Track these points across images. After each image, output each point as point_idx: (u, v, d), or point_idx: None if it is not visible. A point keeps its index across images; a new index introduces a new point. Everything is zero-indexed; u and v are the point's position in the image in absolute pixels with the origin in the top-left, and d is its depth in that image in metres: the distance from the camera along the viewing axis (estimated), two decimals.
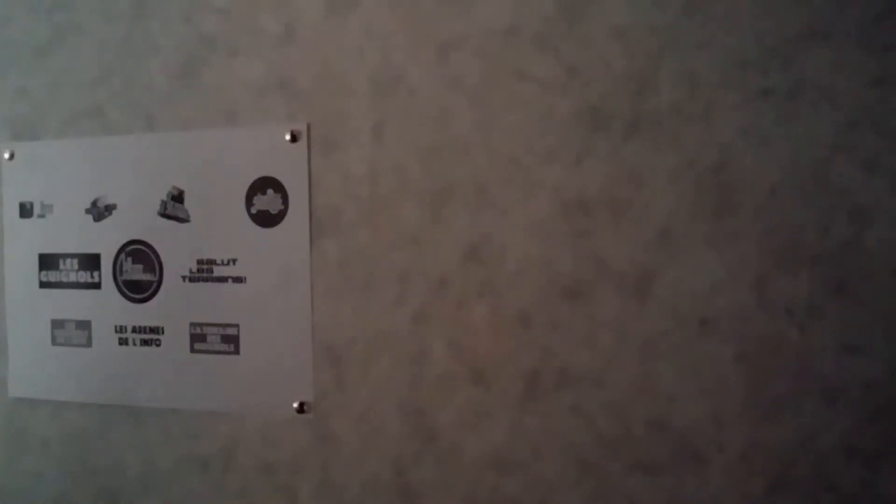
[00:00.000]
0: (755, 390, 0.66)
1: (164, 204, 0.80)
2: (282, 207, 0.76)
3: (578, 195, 0.70)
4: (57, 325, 0.84)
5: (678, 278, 0.68)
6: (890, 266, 0.63)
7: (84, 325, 0.83)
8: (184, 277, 0.79)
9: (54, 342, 0.85)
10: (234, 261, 0.77)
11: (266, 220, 0.76)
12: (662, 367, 0.68)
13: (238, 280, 0.77)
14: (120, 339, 0.82)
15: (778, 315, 0.66)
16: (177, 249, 0.79)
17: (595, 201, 0.69)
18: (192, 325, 0.79)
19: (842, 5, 0.63)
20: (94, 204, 0.82)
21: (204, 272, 0.78)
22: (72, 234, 0.83)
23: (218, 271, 0.78)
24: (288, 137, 0.76)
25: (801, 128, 0.65)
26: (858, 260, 0.64)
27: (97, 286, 0.83)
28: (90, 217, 0.82)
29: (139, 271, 0.81)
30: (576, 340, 0.70)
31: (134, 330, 0.81)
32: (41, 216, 0.84)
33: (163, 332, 0.80)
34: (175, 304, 0.80)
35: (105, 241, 0.82)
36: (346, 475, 0.77)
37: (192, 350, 0.79)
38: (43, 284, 0.85)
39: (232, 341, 0.78)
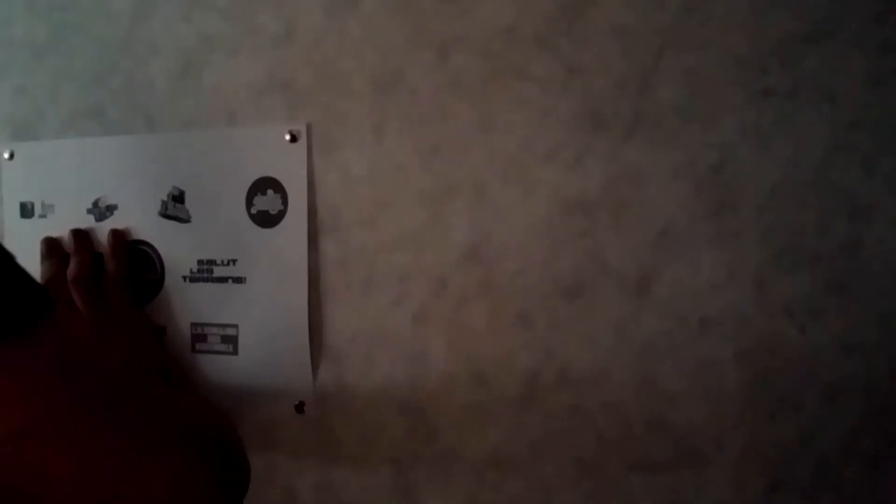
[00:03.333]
0: (755, 390, 0.66)
1: (164, 204, 0.80)
2: (281, 208, 0.76)
3: (578, 195, 0.70)
4: None
5: (678, 278, 0.68)
6: (890, 266, 0.63)
7: None
8: (184, 278, 0.79)
9: None
10: (234, 261, 0.77)
11: (265, 220, 0.76)
12: (662, 367, 0.68)
13: (237, 280, 0.77)
14: None
15: (778, 315, 0.66)
16: (178, 250, 0.79)
17: (595, 201, 0.69)
18: (194, 325, 0.79)
19: (842, 5, 0.63)
20: (95, 204, 0.82)
21: (204, 272, 0.78)
22: None
23: (218, 272, 0.78)
24: (288, 137, 0.76)
25: (801, 128, 0.64)
26: (858, 260, 0.64)
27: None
28: (92, 217, 0.82)
29: (141, 271, 0.81)
30: (576, 340, 0.70)
31: None
32: (42, 216, 0.84)
33: (165, 333, 0.80)
34: (176, 305, 0.80)
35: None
36: (346, 475, 0.77)
37: (194, 350, 0.79)
38: None
39: (231, 341, 0.78)
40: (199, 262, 0.79)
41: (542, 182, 0.70)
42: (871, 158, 0.63)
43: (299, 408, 0.77)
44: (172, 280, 0.80)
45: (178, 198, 0.79)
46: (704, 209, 0.67)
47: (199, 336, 0.79)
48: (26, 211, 0.85)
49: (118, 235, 0.80)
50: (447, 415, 0.74)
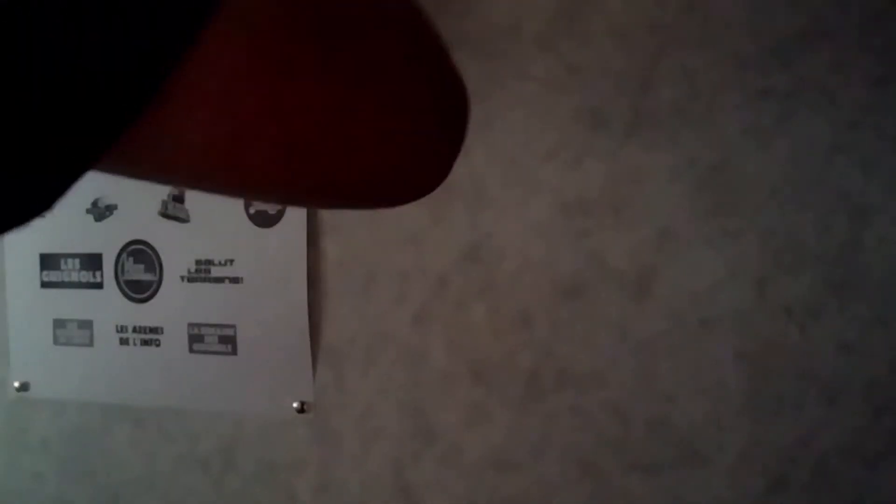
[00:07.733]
0: (755, 390, 0.66)
1: (164, 204, 0.80)
2: (280, 207, 0.76)
3: (578, 195, 0.70)
4: (59, 324, 0.85)
5: (678, 278, 0.68)
6: (890, 266, 0.63)
7: (86, 325, 0.84)
8: (182, 278, 0.79)
9: (56, 342, 0.85)
10: (232, 261, 0.77)
11: (264, 220, 0.76)
12: (662, 367, 0.68)
13: (235, 280, 0.77)
14: (121, 338, 0.82)
15: (778, 315, 0.66)
16: (176, 249, 0.79)
17: (595, 201, 0.69)
18: (191, 325, 0.79)
19: (842, 5, 0.63)
20: (94, 204, 0.82)
21: (202, 272, 0.78)
22: (73, 234, 0.83)
23: (215, 272, 0.78)
24: None
25: (801, 128, 0.64)
26: (858, 260, 0.64)
27: (99, 286, 0.83)
28: (91, 217, 0.82)
29: (140, 271, 0.81)
30: (576, 340, 0.70)
31: (134, 330, 0.81)
32: (41, 216, 0.84)
33: (162, 333, 0.80)
34: (174, 305, 0.80)
35: (106, 241, 0.82)
36: (346, 475, 0.77)
37: (191, 350, 0.79)
38: (45, 284, 0.85)
39: (229, 342, 0.78)
40: (197, 261, 0.79)
41: (542, 182, 0.70)
42: (871, 158, 0.63)
43: (299, 408, 0.77)
44: (170, 280, 0.80)
45: (179, 197, 0.79)
46: (704, 209, 0.67)
47: (196, 336, 0.79)
48: None
49: None
50: (447, 415, 0.74)
